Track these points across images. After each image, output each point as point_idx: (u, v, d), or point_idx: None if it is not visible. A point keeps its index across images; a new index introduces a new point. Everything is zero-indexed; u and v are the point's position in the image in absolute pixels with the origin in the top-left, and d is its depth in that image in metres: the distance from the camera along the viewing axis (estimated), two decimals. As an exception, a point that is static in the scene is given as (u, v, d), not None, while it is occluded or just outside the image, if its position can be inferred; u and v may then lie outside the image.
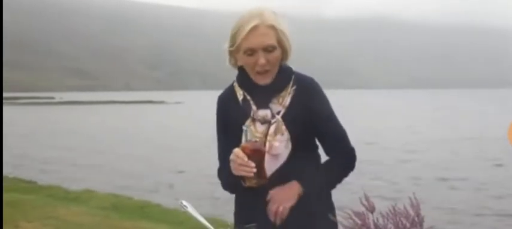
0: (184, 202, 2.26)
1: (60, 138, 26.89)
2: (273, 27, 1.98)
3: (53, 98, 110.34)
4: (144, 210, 8.07)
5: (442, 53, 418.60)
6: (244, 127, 1.96)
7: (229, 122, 2.10)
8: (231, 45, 2.03)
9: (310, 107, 2.04)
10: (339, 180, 2.12)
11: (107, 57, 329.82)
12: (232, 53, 2.06)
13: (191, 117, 43.91)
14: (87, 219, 7.28)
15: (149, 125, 36.20)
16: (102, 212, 7.90)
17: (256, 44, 1.97)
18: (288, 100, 2.03)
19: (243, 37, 1.97)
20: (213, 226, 1.89)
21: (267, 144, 1.99)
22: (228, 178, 2.05)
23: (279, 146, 1.99)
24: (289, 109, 2.03)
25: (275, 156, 1.99)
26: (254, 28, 1.96)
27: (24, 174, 14.46)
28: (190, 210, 2.21)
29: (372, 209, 1.72)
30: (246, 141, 1.94)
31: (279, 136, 1.99)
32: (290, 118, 2.01)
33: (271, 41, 1.98)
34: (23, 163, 17.49)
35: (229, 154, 2.00)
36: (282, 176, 2.00)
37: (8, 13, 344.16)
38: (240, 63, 2.07)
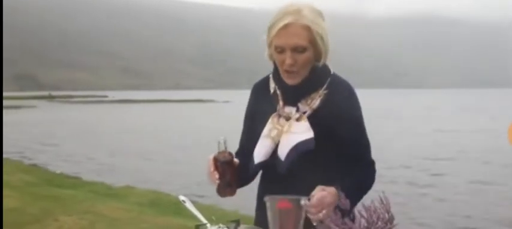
0: (182, 197, 2.34)
1: (110, 136, 27.50)
2: (307, 28, 1.90)
3: (106, 96, 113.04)
4: (179, 206, 8.16)
5: (496, 51, 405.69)
6: (219, 139, 1.96)
7: (258, 110, 2.11)
8: (268, 36, 1.99)
9: (339, 112, 1.97)
10: (365, 193, 2.00)
11: (158, 56, 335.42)
12: (269, 45, 2.01)
13: (237, 116, 44.08)
14: (122, 214, 7.47)
15: (196, 123, 36.62)
16: (138, 208, 8.10)
17: (285, 43, 1.91)
18: (316, 102, 1.98)
19: (274, 34, 1.92)
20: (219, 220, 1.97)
21: (287, 123, 1.97)
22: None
23: (299, 125, 1.96)
24: (316, 112, 1.98)
25: (292, 134, 1.96)
26: (286, 26, 1.89)
27: (71, 170, 14.91)
28: (188, 205, 2.29)
29: (345, 207, 1.76)
30: (219, 151, 1.95)
31: (303, 122, 1.96)
32: (315, 121, 1.96)
33: (302, 41, 1.90)
34: (72, 160, 18.02)
35: (249, 141, 2.09)
36: (304, 169, 1.98)
37: (64, 14, 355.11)
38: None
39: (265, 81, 2.14)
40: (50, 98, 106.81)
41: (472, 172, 15.66)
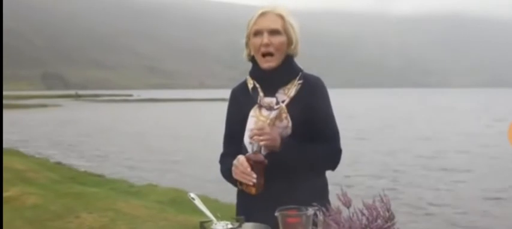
0: (192, 195, 2.37)
1: (135, 134, 27.66)
2: (281, 16, 2.23)
3: (131, 95, 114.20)
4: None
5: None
6: (252, 141, 2.09)
7: (239, 110, 2.30)
8: (247, 35, 2.28)
9: (312, 102, 2.22)
10: (317, 163, 2.23)
11: (183, 56, 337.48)
12: (247, 44, 2.30)
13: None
14: (143, 212, 7.52)
15: (221, 122, 36.65)
16: (159, 206, 8.14)
17: (262, 25, 2.21)
18: (293, 91, 2.22)
19: (253, 22, 2.23)
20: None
21: (269, 119, 2.17)
22: (229, 168, 2.17)
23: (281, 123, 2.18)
24: (293, 100, 2.20)
25: (276, 128, 2.17)
26: (263, 13, 2.22)
27: (95, 168, 15.05)
28: (197, 202, 2.32)
29: (348, 204, 1.76)
30: (252, 152, 2.09)
31: (277, 123, 2.17)
32: (292, 109, 2.19)
33: (277, 25, 2.21)
34: (96, 158, 18.20)
35: (234, 142, 2.29)
36: (278, 159, 2.13)
37: (91, 15, 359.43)
38: (252, 52, 2.29)
39: (242, 85, 2.37)
40: (77, 96, 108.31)
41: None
